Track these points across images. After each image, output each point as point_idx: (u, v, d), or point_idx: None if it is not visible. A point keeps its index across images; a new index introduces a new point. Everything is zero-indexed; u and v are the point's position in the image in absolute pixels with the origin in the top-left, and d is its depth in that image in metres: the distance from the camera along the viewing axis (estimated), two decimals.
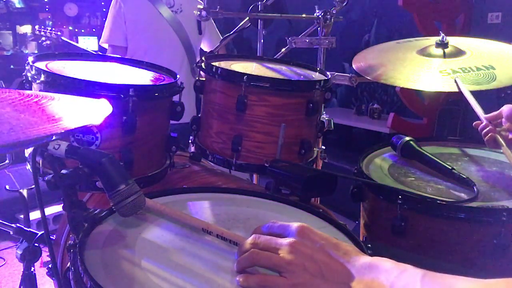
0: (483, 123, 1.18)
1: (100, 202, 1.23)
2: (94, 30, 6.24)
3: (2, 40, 5.74)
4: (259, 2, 1.87)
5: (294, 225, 0.69)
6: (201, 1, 2.61)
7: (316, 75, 1.43)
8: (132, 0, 2.57)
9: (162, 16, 2.57)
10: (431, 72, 1.27)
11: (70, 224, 0.79)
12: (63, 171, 0.76)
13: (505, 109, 1.17)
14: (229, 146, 1.23)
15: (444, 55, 1.33)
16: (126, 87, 1.05)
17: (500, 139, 1.14)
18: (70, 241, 0.75)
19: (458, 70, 1.24)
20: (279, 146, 1.20)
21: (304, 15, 1.91)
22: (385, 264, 0.62)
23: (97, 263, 0.70)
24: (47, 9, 6.09)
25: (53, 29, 3.46)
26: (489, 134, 1.16)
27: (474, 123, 1.22)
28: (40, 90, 1.05)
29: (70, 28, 6.19)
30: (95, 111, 0.70)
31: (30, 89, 1.10)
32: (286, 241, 0.66)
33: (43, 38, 3.24)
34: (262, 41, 1.98)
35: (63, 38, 3.26)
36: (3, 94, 0.66)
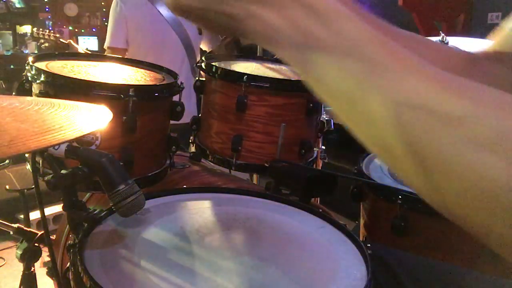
0: None
1: (100, 202, 1.23)
2: (94, 30, 6.24)
3: (2, 40, 5.73)
4: None
5: None
6: None
7: None
8: (132, 0, 2.57)
9: (163, 16, 2.57)
10: None
11: (70, 224, 0.79)
12: (63, 171, 0.76)
13: None
14: (229, 146, 1.23)
15: None
16: (126, 87, 1.05)
17: None
18: (70, 241, 0.75)
19: None
20: (279, 146, 1.20)
21: None
22: None
23: (97, 263, 0.70)
24: (47, 9, 6.09)
25: (52, 31, 3.45)
26: None
27: None
28: (40, 90, 1.05)
29: (70, 28, 6.19)
30: (95, 118, 0.70)
31: (30, 89, 1.10)
32: None
33: (42, 41, 3.23)
34: None
35: (61, 40, 3.25)
36: (3, 102, 0.66)
